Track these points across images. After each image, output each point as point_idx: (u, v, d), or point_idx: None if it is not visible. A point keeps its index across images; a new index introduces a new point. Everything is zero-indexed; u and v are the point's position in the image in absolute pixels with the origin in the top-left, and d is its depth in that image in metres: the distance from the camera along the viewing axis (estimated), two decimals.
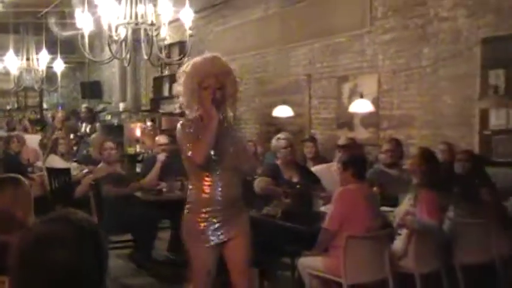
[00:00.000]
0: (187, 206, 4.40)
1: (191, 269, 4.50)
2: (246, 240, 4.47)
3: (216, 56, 4.40)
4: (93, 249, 1.55)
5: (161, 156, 7.88)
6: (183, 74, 4.24)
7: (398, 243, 5.44)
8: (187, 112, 4.39)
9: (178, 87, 4.41)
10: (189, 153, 4.15)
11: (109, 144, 7.98)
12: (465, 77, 8.08)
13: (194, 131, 4.22)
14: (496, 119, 7.75)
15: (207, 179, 4.27)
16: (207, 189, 4.27)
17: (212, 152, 4.19)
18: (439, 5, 8.42)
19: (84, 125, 14.74)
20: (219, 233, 4.29)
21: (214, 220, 4.27)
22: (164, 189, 7.68)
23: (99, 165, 7.73)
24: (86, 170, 8.55)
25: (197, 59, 4.33)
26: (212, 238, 4.28)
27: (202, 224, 4.26)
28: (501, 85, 7.63)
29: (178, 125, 4.35)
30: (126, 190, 7.51)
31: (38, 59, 13.22)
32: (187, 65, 4.31)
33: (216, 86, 4.18)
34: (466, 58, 8.07)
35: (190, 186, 4.47)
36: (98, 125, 14.72)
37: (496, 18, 7.71)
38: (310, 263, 5.37)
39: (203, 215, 4.27)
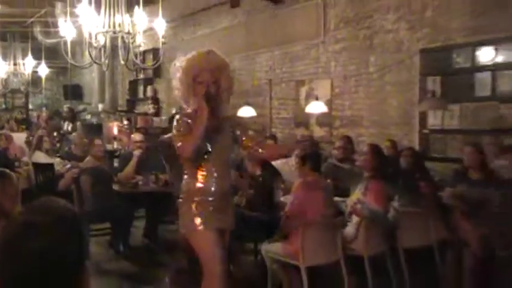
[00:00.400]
0: (181, 196, 4.12)
1: (200, 262, 4.12)
2: (229, 232, 4.26)
3: (211, 51, 4.12)
4: (73, 235, 1.48)
5: (137, 152, 7.79)
6: (179, 69, 4.00)
7: (349, 229, 5.45)
8: (184, 106, 4.14)
9: (174, 82, 4.12)
10: (179, 144, 3.88)
11: (98, 141, 7.97)
12: (407, 82, 8.18)
13: (190, 124, 3.93)
14: (433, 120, 7.87)
15: (202, 169, 4.00)
16: (201, 180, 4.00)
17: (208, 144, 3.95)
18: (383, 19, 8.48)
19: (66, 123, 14.71)
20: (214, 218, 3.98)
21: (208, 208, 3.97)
22: (140, 182, 7.59)
23: (86, 159, 7.64)
24: (68, 165, 8.46)
25: (192, 53, 4.06)
26: (207, 222, 3.95)
27: (196, 211, 3.96)
28: (437, 90, 7.73)
29: (177, 117, 4.06)
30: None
31: (24, 64, 13.41)
32: (182, 60, 4.03)
33: (211, 80, 3.92)
34: (407, 66, 8.16)
35: (185, 177, 4.14)
36: (78, 123, 14.66)
37: (432, 32, 7.81)
38: (271, 249, 5.33)
39: (196, 204, 3.98)
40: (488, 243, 5.60)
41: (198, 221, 3.95)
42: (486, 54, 7.19)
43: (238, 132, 4.29)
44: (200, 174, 4.00)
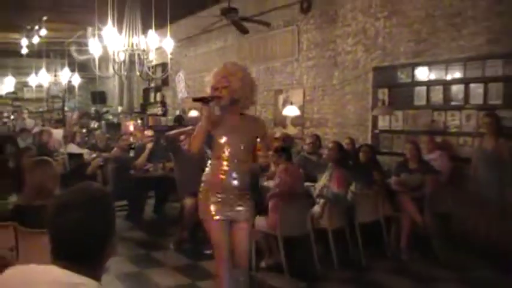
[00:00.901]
0: (201, 185, 3.79)
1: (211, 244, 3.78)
2: (248, 226, 3.80)
3: (227, 62, 3.86)
4: (103, 210, 1.52)
5: (149, 145, 7.80)
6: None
7: (317, 208, 5.45)
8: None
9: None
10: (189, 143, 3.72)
11: (126, 136, 8.01)
12: (362, 93, 8.18)
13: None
14: (383, 122, 7.86)
15: (216, 163, 3.71)
16: (219, 173, 3.66)
17: (226, 140, 3.65)
18: (344, 43, 8.50)
19: (93, 122, 14.66)
20: (222, 210, 3.64)
21: (217, 200, 3.65)
22: (150, 169, 7.63)
23: (114, 149, 7.68)
24: (93, 155, 8.49)
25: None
26: (218, 214, 3.63)
27: (209, 201, 3.67)
28: (386, 99, 7.72)
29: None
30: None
31: (62, 76, 13.60)
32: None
33: (222, 84, 3.60)
34: (363, 80, 8.17)
35: (207, 168, 3.81)
36: (102, 122, 14.61)
37: (382, 54, 7.83)
38: (256, 222, 5.36)
39: (210, 194, 3.68)
40: (423, 214, 5.78)
41: (209, 209, 3.66)
42: (422, 73, 7.23)
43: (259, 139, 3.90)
44: (215, 168, 3.70)
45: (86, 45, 7.68)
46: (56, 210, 1.47)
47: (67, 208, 1.45)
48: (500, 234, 5.88)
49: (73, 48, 14.17)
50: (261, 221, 5.22)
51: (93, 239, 1.47)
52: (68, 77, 13.81)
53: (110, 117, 15.72)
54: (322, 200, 5.50)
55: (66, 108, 17.57)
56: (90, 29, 8.54)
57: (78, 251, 1.45)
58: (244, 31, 9.34)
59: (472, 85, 6.62)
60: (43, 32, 11.30)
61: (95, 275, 1.47)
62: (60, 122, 14.09)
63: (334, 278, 5.17)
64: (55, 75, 14.45)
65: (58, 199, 1.53)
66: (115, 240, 1.56)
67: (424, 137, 7.00)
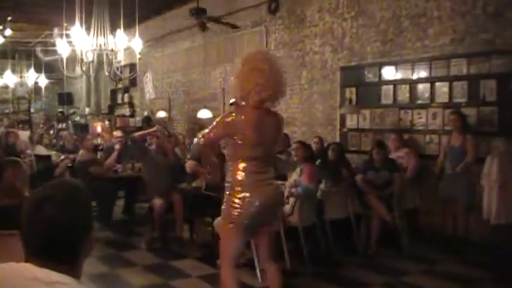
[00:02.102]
0: (226, 184, 3.49)
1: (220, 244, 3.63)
2: (272, 231, 3.65)
3: (244, 55, 3.65)
4: (79, 206, 1.47)
5: (118, 146, 7.73)
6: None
7: (287, 206, 5.44)
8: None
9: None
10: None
11: (89, 137, 7.93)
12: (330, 92, 8.27)
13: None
14: (350, 121, 7.95)
15: (241, 164, 3.37)
16: (239, 174, 3.37)
17: (254, 140, 3.33)
18: (312, 43, 8.57)
19: (60, 123, 14.47)
20: (247, 214, 3.33)
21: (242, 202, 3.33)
22: (119, 170, 7.56)
23: (81, 152, 7.55)
24: (62, 157, 8.37)
25: None
26: (240, 219, 3.33)
27: (233, 204, 3.34)
28: (353, 98, 7.83)
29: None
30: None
31: (28, 77, 13.79)
32: None
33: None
34: (331, 79, 8.25)
35: (230, 168, 3.45)
36: (69, 123, 14.44)
37: (349, 53, 7.93)
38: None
39: (234, 196, 3.35)
40: (390, 211, 5.86)
41: (226, 211, 3.42)
42: (389, 72, 7.35)
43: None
44: (239, 168, 3.38)
45: (53, 45, 7.54)
46: (30, 206, 1.43)
47: (42, 204, 1.41)
48: (467, 229, 6.04)
49: (39, 48, 13.95)
50: None
51: (69, 235, 1.43)
52: (34, 78, 13.62)
53: (77, 118, 15.53)
54: (292, 199, 5.50)
55: (32, 110, 17.33)
56: (56, 29, 8.39)
57: (54, 249, 1.41)
58: (232, 26, 9.31)
59: (437, 84, 6.77)
60: (8, 32, 11.08)
61: (73, 274, 1.43)
62: (27, 124, 13.86)
63: (305, 273, 5.20)
64: (21, 77, 14.22)
65: (33, 196, 1.48)
66: (92, 236, 1.51)
67: (391, 135, 7.10)
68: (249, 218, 3.34)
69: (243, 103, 3.48)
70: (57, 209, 1.40)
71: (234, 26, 9.39)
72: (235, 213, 3.34)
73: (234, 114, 3.40)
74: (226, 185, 3.48)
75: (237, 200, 3.35)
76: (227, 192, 3.44)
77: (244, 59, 3.51)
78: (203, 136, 3.50)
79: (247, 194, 3.34)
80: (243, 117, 3.35)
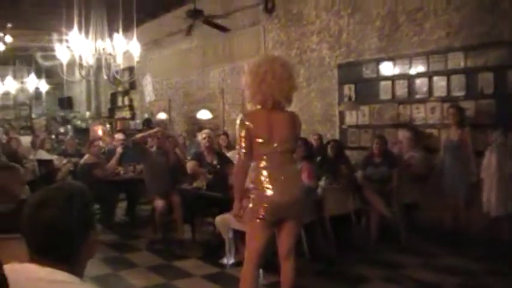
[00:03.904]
0: (249, 182, 3.58)
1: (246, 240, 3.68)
2: (296, 223, 3.69)
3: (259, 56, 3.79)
4: (79, 207, 1.47)
5: (119, 149, 7.79)
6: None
7: None
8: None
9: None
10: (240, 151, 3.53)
11: (97, 142, 7.95)
12: (328, 89, 8.32)
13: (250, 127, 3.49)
14: (350, 118, 8.00)
15: (262, 162, 3.51)
16: (260, 171, 3.49)
17: (267, 137, 3.48)
18: (309, 41, 8.63)
19: (60, 128, 14.55)
20: (269, 209, 3.45)
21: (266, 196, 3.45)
22: (121, 172, 7.61)
23: (86, 156, 7.60)
24: (64, 161, 8.42)
25: None
26: (262, 213, 3.46)
27: (257, 200, 3.47)
28: (352, 95, 7.88)
29: (240, 117, 3.61)
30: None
31: (28, 83, 13.78)
32: None
33: None
34: (329, 77, 8.30)
35: (253, 166, 3.57)
36: (70, 127, 14.50)
37: (346, 50, 7.98)
38: (224, 218, 5.25)
39: (257, 192, 3.48)
40: (389, 206, 5.89)
41: (249, 208, 3.53)
42: (387, 68, 7.40)
43: None
44: (260, 165, 3.52)
45: (52, 50, 7.60)
46: (30, 208, 1.45)
47: (41, 206, 1.43)
48: (467, 222, 6.08)
49: (39, 54, 14.04)
50: (229, 217, 5.22)
51: (71, 236, 1.45)
52: (34, 83, 13.70)
53: (78, 122, 15.60)
54: None
55: (33, 115, 17.41)
56: (55, 35, 8.45)
57: (54, 249, 1.44)
58: (223, 29, 9.34)
59: (435, 78, 6.81)
60: (8, 39, 11.15)
61: (75, 274, 1.45)
62: (28, 129, 13.93)
63: (306, 270, 5.24)
64: (22, 82, 14.30)
65: (34, 198, 1.49)
66: (94, 237, 1.53)
67: (391, 131, 7.14)
68: (271, 213, 3.47)
69: (256, 106, 3.62)
70: (56, 210, 1.42)
71: (225, 29, 9.43)
72: (260, 209, 3.47)
73: (246, 118, 3.55)
74: (250, 183, 3.58)
75: (260, 196, 3.48)
76: (251, 189, 3.55)
77: (249, 66, 3.66)
78: (239, 157, 3.55)
79: (269, 191, 3.46)
80: (253, 117, 3.55)
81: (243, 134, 3.51)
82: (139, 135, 7.00)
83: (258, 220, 3.49)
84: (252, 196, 3.53)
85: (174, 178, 6.64)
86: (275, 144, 3.52)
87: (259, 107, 3.58)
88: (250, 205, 3.52)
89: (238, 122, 3.59)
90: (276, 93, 3.49)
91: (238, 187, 3.58)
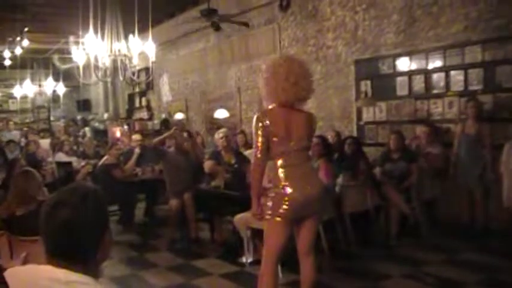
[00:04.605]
0: (267, 182, 3.68)
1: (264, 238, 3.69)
2: (315, 220, 3.70)
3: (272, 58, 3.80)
4: (94, 208, 1.49)
5: (137, 149, 7.85)
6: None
7: None
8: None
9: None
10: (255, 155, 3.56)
11: (118, 145, 8.08)
12: (345, 86, 8.27)
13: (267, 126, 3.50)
14: (367, 114, 7.96)
15: (279, 160, 3.54)
16: (278, 170, 3.53)
17: (283, 136, 3.51)
18: (325, 38, 8.58)
19: (80, 129, 14.72)
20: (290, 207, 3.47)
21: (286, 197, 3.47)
22: (139, 173, 7.67)
23: (105, 157, 7.68)
24: (83, 163, 8.52)
25: None
26: (283, 212, 3.48)
27: (276, 198, 3.49)
28: (369, 91, 7.84)
29: (256, 116, 3.59)
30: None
31: (46, 85, 13.96)
32: None
33: None
34: (345, 73, 8.25)
35: (272, 165, 3.62)
36: (88, 129, 14.64)
37: (363, 46, 7.93)
38: (242, 217, 5.28)
39: (275, 191, 3.51)
40: (409, 202, 5.85)
41: (268, 206, 3.54)
42: (403, 63, 7.34)
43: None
44: (278, 164, 3.56)
45: (69, 53, 7.68)
46: (47, 210, 1.47)
47: (59, 206, 1.45)
48: (486, 217, 6.02)
49: (56, 57, 14.18)
50: (247, 216, 5.22)
51: (86, 237, 1.47)
52: (52, 86, 13.87)
53: (96, 124, 15.75)
54: None
55: (51, 118, 17.60)
56: (71, 37, 8.54)
57: (71, 250, 1.45)
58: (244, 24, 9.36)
59: (452, 72, 6.74)
60: (25, 42, 11.29)
61: (90, 275, 1.46)
62: (47, 132, 14.09)
63: (326, 267, 5.22)
64: (40, 86, 14.49)
65: (51, 199, 1.52)
66: (109, 238, 1.55)
67: (408, 126, 7.09)
68: (291, 211, 3.48)
69: (272, 105, 3.63)
70: (71, 212, 1.44)
71: (245, 24, 9.43)
72: (280, 207, 3.48)
73: (262, 116, 3.55)
74: (268, 183, 3.64)
75: (280, 195, 3.49)
76: (270, 188, 3.59)
77: (267, 65, 3.67)
78: (255, 156, 3.57)
79: (289, 189, 3.48)
80: (270, 116, 3.55)
81: (259, 132, 3.52)
82: (157, 138, 7.06)
83: (278, 218, 3.50)
84: (271, 195, 3.55)
85: (194, 177, 6.68)
86: (292, 143, 3.54)
87: (275, 105, 3.59)
88: (270, 203, 3.53)
89: (254, 120, 3.58)
90: (293, 92, 3.51)
91: (255, 185, 3.60)
